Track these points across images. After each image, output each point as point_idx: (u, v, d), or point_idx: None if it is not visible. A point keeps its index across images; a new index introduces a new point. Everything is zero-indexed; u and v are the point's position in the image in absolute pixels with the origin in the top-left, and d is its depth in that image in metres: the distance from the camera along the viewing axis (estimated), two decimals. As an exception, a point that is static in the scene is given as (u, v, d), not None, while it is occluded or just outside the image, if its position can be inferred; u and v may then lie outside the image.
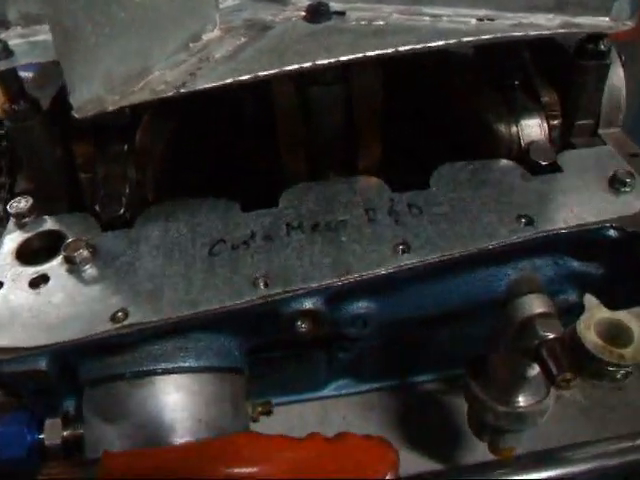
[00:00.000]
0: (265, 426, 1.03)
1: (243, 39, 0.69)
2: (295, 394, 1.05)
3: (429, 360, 1.02)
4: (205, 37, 0.70)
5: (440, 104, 0.89)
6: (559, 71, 0.84)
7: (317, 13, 0.72)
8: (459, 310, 0.79)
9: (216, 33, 0.71)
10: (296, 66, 0.57)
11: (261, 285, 0.66)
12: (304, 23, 0.72)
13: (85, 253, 0.71)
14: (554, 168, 0.80)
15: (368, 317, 0.74)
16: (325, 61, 0.59)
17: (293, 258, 0.69)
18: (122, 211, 0.75)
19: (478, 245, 0.70)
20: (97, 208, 0.76)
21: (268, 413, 0.80)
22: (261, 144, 0.83)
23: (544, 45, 0.84)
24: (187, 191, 0.79)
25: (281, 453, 0.64)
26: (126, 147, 0.79)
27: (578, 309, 0.83)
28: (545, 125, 0.83)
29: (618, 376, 1.04)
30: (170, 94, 0.57)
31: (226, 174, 0.84)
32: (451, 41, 0.61)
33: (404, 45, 0.60)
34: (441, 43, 0.61)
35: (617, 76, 0.83)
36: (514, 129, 0.83)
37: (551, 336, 0.72)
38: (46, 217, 0.78)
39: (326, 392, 1.06)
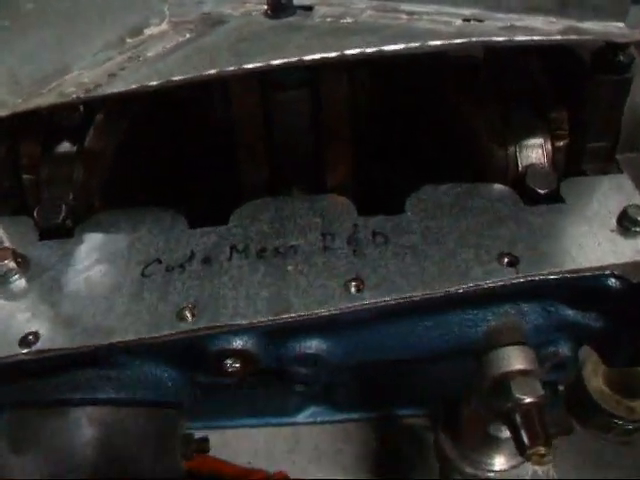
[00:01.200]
0: (230, 450, 0.97)
1: (188, 35, 0.61)
2: (265, 418, 0.98)
3: (409, 395, 0.92)
4: (148, 32, 0.62)
5: (429, 111, 0.78)
6: (572, 84, 0.71)
7: (278, 7, 0.63)
8: (430, 355, 0.69)
9: (162, 27, 0.63)
10: (212, 71, 0.49)
11: (188, 317, 0.59)
12: (263, 18, 0.63)
13: (11, 264, 0.65)
14: (555, 198, 0.68)
15: (318, 358, 0.65)
16: (256, 65, 0.50)
17: (228, 287, 0.61)
18: (61, 219, 0.69)
19: (444, 287, 0.60)
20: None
21: (204, 451, 0.73)
22: (222, 152, 0.75)
23: (556, 53, 0.72)
24: (137, 199, 0.72)
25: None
26: (75, 148, 0.73)
27: (571, 364, 0.71)
28: (549, 147, 0.71)
29: (626, 430, 0.91)
30: (71, 99, 0.49)
31: (181, 183, 0.77)
32: (413, 45, 0.51)
33: (355, 48, 0.50)
34: (401, 47, 0.51)
35: (641, 92, 0.69)
36: (511, 149, 0.71)
37: (527, 400, 0.61)
38: (-12, 220, 0.72)
39: (299, 418, 0.99)
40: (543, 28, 0.58)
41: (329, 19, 0.62)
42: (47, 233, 0.69)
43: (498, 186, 0.70)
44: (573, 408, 0.94)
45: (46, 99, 0.51)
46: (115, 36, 0.60)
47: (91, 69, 0.55)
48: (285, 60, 0.49)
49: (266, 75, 0.69)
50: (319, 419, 0.99)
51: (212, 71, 0.48)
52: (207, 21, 0.64)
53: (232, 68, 0.49)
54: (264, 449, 0.98)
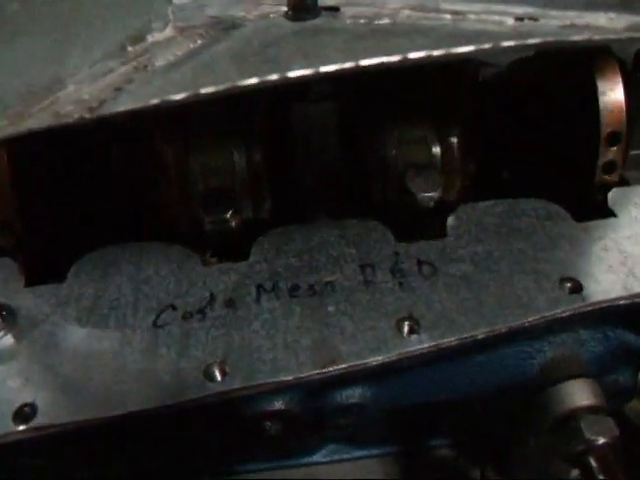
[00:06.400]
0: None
1: (200, 41, 0.52)
2: (277, 460, 0.89)
3: (444, 425, 0.84)
4: (151, 38, 0.53)
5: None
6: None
7: (302, 8, 0.55)
8: (481, 394, 0.62)
9: (167, 33, 0.54)
10: (254, 80, 0.40)
11: (217, 376, 0.49)
12: (284, 21, 0.55)
13: (-6, 318, 0.54)
14: (604, 212, 0.62)
15: (362, 407, 0.57)
16: (302, 73, 0.41)
17: (262, 336, 0.52)
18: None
19: (508, 322, 0.52)
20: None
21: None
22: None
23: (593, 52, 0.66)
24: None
25: None
26: None
27: (630, 392, 0.65)
28: None
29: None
30: (73, 119, 0.40)
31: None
32: (485, 46, 0.43)
33: (416, 50, 0.43)
34: (470, 49, 0.43)
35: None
36: None
37: (602, 440, 0.55)
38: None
39: (316, 458, 0.89)
40: (607, 26, 0.52)
41: (362, 20, 0.54)
42: (34, 277, 0.59)
43: (542, 202, 0.64)
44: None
45: (40, 121, 0.41)
46: (114, 44, 0.50)
47: (90, 83, 0.45)
48: (338, 66, 0.41)
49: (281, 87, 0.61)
50: (337, 457, 0.90)
51: (252, 80, 0.40)
52: (218, 26, 0.55)
53: (275, 77, 0.40)
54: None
